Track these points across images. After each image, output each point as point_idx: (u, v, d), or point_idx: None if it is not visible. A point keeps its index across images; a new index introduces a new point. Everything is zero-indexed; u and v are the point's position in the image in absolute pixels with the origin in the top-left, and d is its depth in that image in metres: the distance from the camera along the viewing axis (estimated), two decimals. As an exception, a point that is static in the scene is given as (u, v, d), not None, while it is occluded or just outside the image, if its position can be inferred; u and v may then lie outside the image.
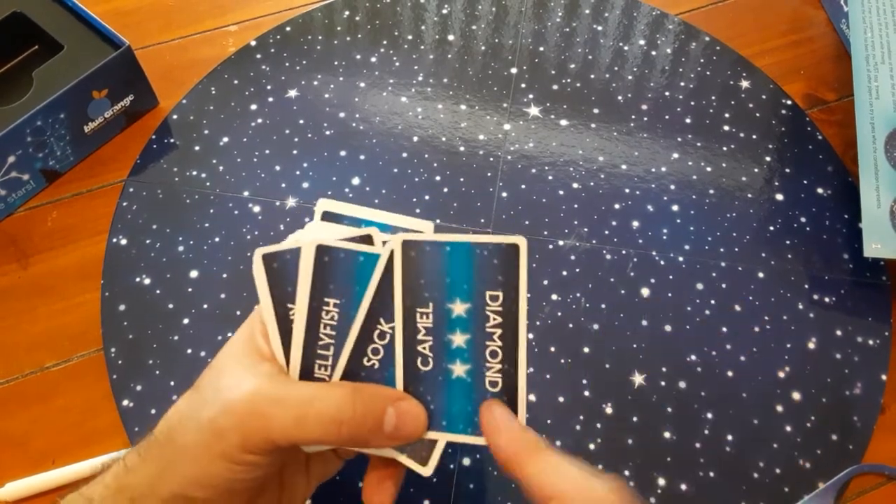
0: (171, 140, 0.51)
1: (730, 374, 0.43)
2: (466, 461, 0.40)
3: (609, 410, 0.42)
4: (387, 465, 0.30)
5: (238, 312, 0.44)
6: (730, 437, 0.41)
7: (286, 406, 0.27)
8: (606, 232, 0.48)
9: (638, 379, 0.43)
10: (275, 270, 0.29)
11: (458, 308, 0.29)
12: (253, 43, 0.56)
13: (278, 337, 0.29)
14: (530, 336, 0.44)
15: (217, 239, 0.47)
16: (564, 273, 0.46)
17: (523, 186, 0.49)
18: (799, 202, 0.50)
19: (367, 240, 0.29)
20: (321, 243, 0.29)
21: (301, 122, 0.52)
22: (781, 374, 0.43)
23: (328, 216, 0.33)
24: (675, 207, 0.49)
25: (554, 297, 0.45)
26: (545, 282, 0.46)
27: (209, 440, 0.27)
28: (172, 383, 0.42)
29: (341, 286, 0.29)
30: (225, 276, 0.45)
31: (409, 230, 0.33)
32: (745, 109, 0.54)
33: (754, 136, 0.52)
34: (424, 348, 0.29)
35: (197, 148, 0.50)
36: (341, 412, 0.27)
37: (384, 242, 0.29)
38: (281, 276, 0.29)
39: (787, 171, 0.51)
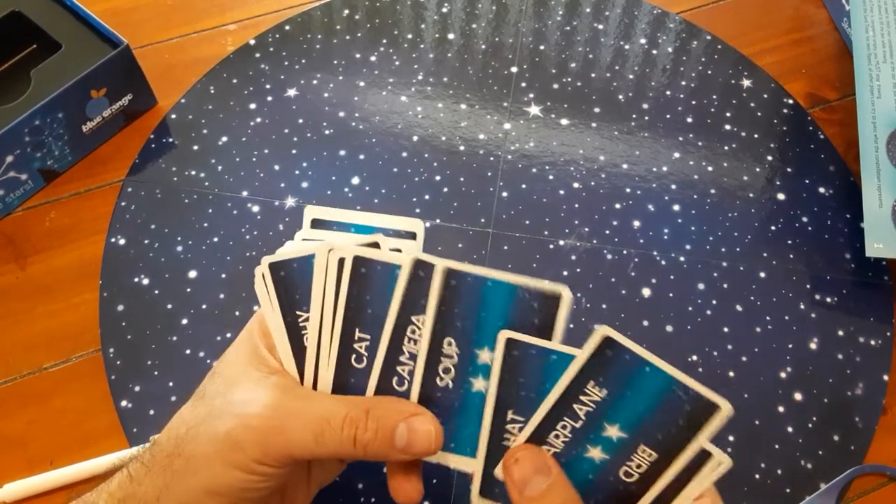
0: (170, 139, 0.51)
1: (731, 374, 0.43)
2: (467, 462, 0.40)
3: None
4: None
5: (237, 313, 0.44)
6: (731, 438, 0.41)
7: (305, 422, 0.27)
8: (607, 232, 0.48)
9: (639, 379, 0.43)
10: (282, 279, 0.29)
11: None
12: (252, 42, 0.56)
13: (289, 347, 0.29)
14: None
15: (216, 239, 0.47)
16: (565, 273, 0.46)
17: (524, 186, 0.49)
18: (800, 202, 0.49)
19: (375, 246, 0.29)
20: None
21: (300, 121, 0.52)
22: (783, 375, 0.43)
23: (317, 224, 0.33)
24: (676, 207, 0.49)
25: (554, 297, 0.45)
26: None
27: (225, 451, 0.27)
28: (171, 384, 0.42)
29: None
30: (224, 276, 0.45)
31: (400, 231, 0.33)
32: (747, 108, 0.53)
33: (756, 136, 0.52)
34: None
35: (196, 147, 0.50)
36: (357, 429, 0.27)
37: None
38: (289, 285, 0.29)
39: (789, 170, 0.51)
